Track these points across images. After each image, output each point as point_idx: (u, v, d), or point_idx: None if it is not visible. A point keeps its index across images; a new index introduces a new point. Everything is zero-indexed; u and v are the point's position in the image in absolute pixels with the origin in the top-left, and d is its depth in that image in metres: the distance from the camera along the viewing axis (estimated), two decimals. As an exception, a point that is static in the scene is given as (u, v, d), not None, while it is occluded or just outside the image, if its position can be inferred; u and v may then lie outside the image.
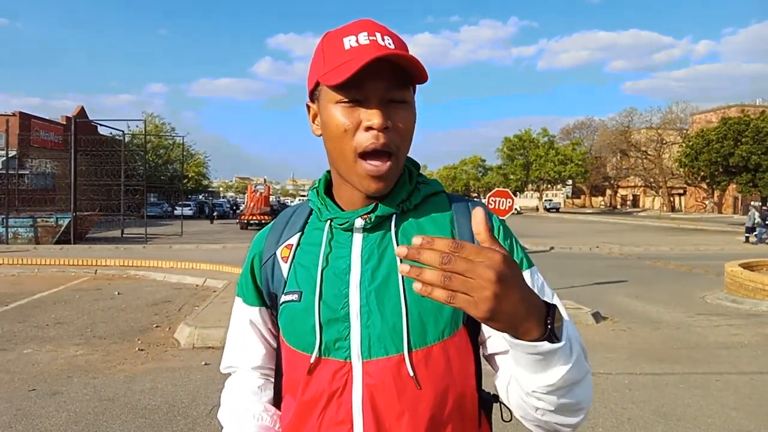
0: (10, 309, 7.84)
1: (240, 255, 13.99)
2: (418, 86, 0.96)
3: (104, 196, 21.97)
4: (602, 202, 77.58)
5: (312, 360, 0.91)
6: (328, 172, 1.02)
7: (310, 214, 1.03)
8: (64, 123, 34.59)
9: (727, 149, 39.62)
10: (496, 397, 0.98)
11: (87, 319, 7.21)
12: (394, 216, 0.95)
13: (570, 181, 70.25)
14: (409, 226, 0.95)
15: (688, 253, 16.96)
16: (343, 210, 0.97)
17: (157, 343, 6.11)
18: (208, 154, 63.06)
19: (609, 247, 18.53)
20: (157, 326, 6.88)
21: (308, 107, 0.98)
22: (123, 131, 23.53)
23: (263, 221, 26.39)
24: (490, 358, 0.95)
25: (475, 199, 1.15)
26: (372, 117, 0.86)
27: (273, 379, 1.06)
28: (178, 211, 35.17)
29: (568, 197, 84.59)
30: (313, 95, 0.95)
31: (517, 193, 63.34)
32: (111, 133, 26.98)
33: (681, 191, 62.01)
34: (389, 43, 0.87)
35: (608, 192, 75.78)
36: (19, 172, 25.26)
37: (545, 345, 0.69)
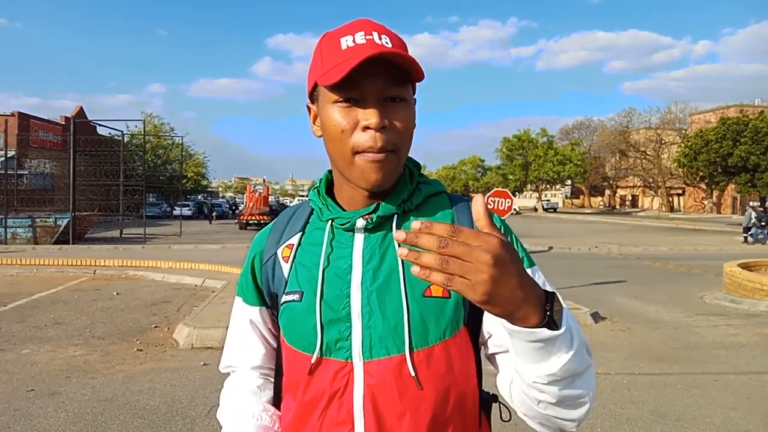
0: (8, 309, 7.83)
1: (239, 255, 13.99)
2: (418, 87, 0.96)
3: (103, 196, 21.96)
4: (601, 203, 77.64)
5: (313, 360, 0.91)
6: (329, 171, 1.02)
7: (311, 213, 1.03)
8: (63, 123, 34.54)
9: (725, 149, 39.64)
10: (495, 397, 0.99)
11: (86, 320, 7.21)
12: (396, 216, 0.95)
13: (569, 182, 70.29)
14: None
15: (687, 254, 16.98)
16: (344, 210, 0.97)
17: (156, 344, 6.10)
18: (208, 154, 62.98)
19: (608, 247, 18.55)
20: (155, 326, 6.88)
21: (308, 108, 0.98)
22: (122, 131, 23.52)
23: (262, 221, 26.39)
24: (491, 358, 0.95)
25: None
26: (369, 116, 0.85)
27: (273, 379, 1.06)
28: (177, 212, 35.13)
29: (567, 197, 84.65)
30: (313, 96, 0.95)
31: (516, 193, 63.37)
32: (110, 134, 26.96)
33: (680, 191, 62.07)
34: (386, 42, 0.87)
35: (607, 192, 75.84)
36: (18, 173, 25.22)
37: (544, 332, 0.69)
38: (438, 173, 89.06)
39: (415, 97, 0.95)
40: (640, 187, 68.24)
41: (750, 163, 38.38)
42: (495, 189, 8.87)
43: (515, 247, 0.96)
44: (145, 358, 5.59)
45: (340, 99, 0.87)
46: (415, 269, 0.63)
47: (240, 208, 39.45)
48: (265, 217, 26.72)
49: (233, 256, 14.14)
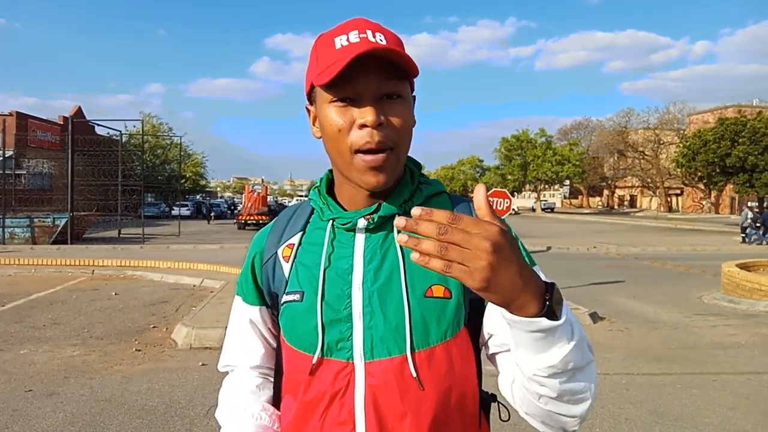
0: (6, 309, 7.81)
1: (237, 255, 13.99)
2: (417, 87, 0.95)
3: (101, 196, 21.94)
4: (599, 203, 77.74)
5: (314, 360, 0.91)
6: (330, 171, 1.01)
7: (312, 213, 1.03)
8: (62, 123, 34.49)
9: (724, 150, 39.69)
10: (494, 397, 0.99)
11: (84, 320, 7.20)
12: (397, 216, 0.94)
13: (567, 182, 70.36)
14: None
15: (686, 254, 17.01)
16: (345, 209, 0.97)
17: (155, 344, 6.10)
18: (206, 154, 62.98)
19: (606, 247, 18.57)
20: (154, 327, 6.87)
21: (308, 110, 0.98)
22: (120, 131, 23.49)
23: (261, 221, 26.39)
24: (492, 358, 0.95)
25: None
26: (365, 114, 0.85)
27: (272, 379, 1.05)
28: (175, 212, 35.13)
29: (565, 197, 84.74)
30: (311, 97, 0.95)
31: (515, 193, 63.49)
32: (108, 134, 26.91)
33: (678, 191, 62.16)
34: (381, 40, 0.86)
35: (605, 192, 75.93)
36: (16, 172, 25.21)
37: (543, 321, 0.69)
38: (437, 173, 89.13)
39: (414, 94, 0.95)
40: (638, 187, 68.33)
41: (748, 163, 38.42)
42: (494, 189, 8.87)
43: None
44: (143, 358, 5.58)
45: (336, 98, 0.87)
46: (414, 255, 0.64)
47: (238, 208, 39.43)
48: (263, 217, 26.73)
49: (232, 256, 14.14)
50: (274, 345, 1.05)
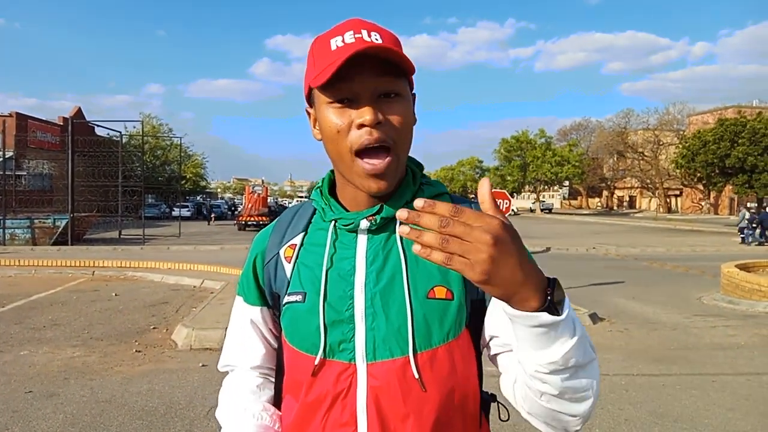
0: (6, 310, 7.81)
1: (238, 256, 13.99)
2: (417, 91, 0.96)
3: (102, 197, 21.95)
4: (599, 203, 77.70)
5: (316, 362, 0.91)
6: (332, 171, 1.01)
7: (314, 214, 1.02)
8: (61, 124, 34.50)
9: (723, 150, 39.71)
10: (494, 396, 0.99)
11: (84, 321, 7.20)
12: (400, 208, 0.95)
13: (567, 183, 70.35)
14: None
15: (685, 254, 17.01)
16: (347, 210, 0.97)
17: (155, 345, 6.10)
18: (206, 155, 62.95)
19: (606, 248, 18.57)
20: (154, 328, 6.87)
21: (308, 113, 0.97)
22: (120, 132, 23.50)
23: (261, 222, 26.41)
24: (494, 359, 0.95)
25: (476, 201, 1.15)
26: (363, 114, 0.85)
27: (272, 379, 1.05)
28: (175, 213, 35.14)
29: (564, 198, 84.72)
30: (310, 100, 0.95)
31: (514, 194, 63.52)
32: (108, 134, 26.97)
33: (677, 192, 62.13)
34: (376, 39, 0.86)
35: (605, 193, 75.90)
36: (16, 173, 25.21)
37: (545, 316, 0.68)
38: (436, 174, 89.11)
39: (414, 92, 0.94)
40: (637, 188, 68.29)
41: (747, 164, 38.44)
42: (493, 190, 8.86)
43: None
44: (143, 359, 5.58)
45: (334, 100, 0.87)
46: (416, 248, 0.64)
47: (239, 209, 39.43)
48: (263, 218, 26.75)
49: (232, 257, 14.14)
50: (275, 345, 1.05)
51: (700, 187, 50.15)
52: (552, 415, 0.80)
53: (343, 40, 0.85)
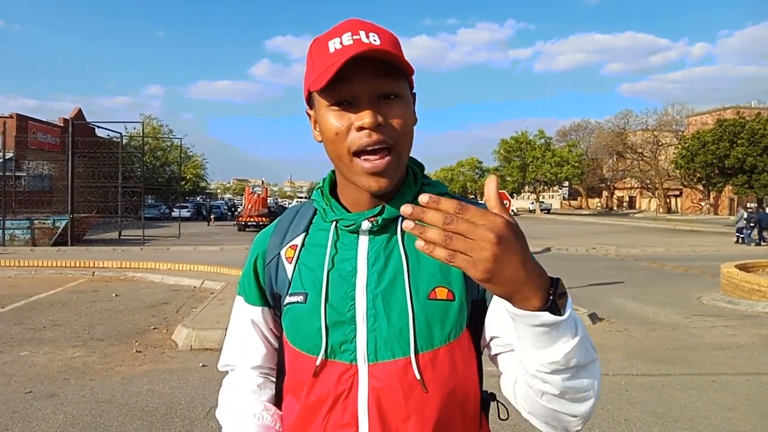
0: (6, 311, 7.81)
1: (238, 256, 13.99)
2: (416, 92, 0.96)
3: (102, 198, 21.96)
4: (599, 204, 77.71)
5: (318, 362, 0.91)
6: (333, 171, 1.01)
7: (314, 214, 1.02)
8: (62, 125, 34.50)
9: (722, 151, 39.75)
10: (493, 395, 0.99)
11: (84, 321, 7.20)
12: (400, 218, 0.94)
13: (566, 183, 70.36)
14: None
15: (684, 255, 17.01)
16: (348, 211, 0.97)
17: (155, 345, 6.10)
18: (206, 156, 63.02)
19: (605, 248, 18.57)
20: (154, 328, 6.87)
21: (308, 115, 0.97)
22: (120, 133, 23.52)
23: (261, 223, 26.41)
24: (495, 359, 0.95)
25: (477, 201, 1.15)
26: (362, 117, 0.85)
27: (273, 378, 1.05)
28: (175, 213, 35.16)
29: (564, 199, 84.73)
30: (310, 102, 0.94)
31: (514, 194, 63.55)
32: (108, 135, 26.99)
33: (677, 193, 62.15)
34: (374, 40, 0.85)
35: (604, 194, 75.91)
36: (16, 174, 25.21)
37: (546, 315, 0.68)
38: (436, 174, 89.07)
39: (414, 91, 0.94)
40: (637, 188, 68.33)
41: (747, 164, 38.49)
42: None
43: None
44: (144, 359, 5.59)
45: (333, 102, 0.87)
46: (419, 243, 0.64)
47: (239, 209, 39.45)
48: (263, 219, 26.75)
49: (232, 257, 14.14)
50: (276, 345, 1.05)
51: (700, 187, 50.19)
52: (553, 415, 0.80)
53: (341, 42, 0.85)
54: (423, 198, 0.63)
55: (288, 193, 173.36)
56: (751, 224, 21.03)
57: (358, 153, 0.87)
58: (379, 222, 0.93)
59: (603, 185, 72.67)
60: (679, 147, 47.15)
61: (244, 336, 1.05)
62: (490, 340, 0.93)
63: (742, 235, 21.08)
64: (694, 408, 4.34)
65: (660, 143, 58.53)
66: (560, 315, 0.69)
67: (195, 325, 6.36)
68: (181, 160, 42.16)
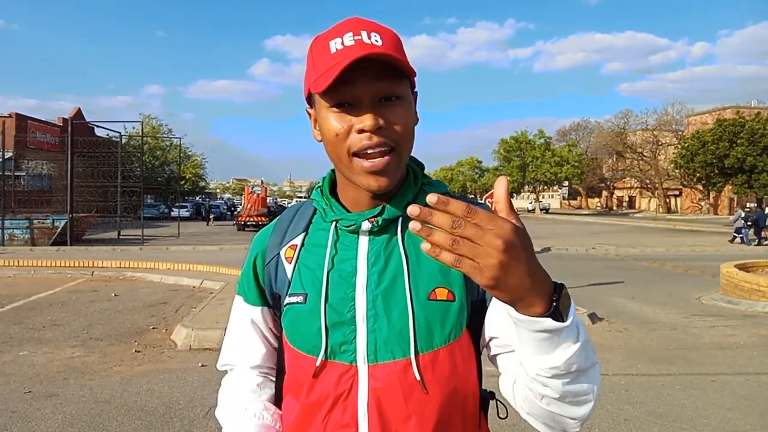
0: (6, 311, 7.81)
1: (237, 256, 13.98)
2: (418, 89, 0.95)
3: (101, 197, 21.93)
4: (598, 204, 77.75)
5: (318, 363, 0.91)
6: (333, 170, 1.00)
7: (314, 213, 1.02)
8: (61, 125, 34.48)
9: (722, 151, 39.77)
10: (492, 394, 0.99)
11: (83, 321, 7.19)
12: (401, 218, 0.94)
13: (566, 183, 70.40)
14: None
15: (684, 254, 17.01)
16: (348, 210, 0.96)
17: (154, 345, 6.10)
18: (206, 155, 62.99)
19: (605, 248, 18.57)
20: (153, 328, 6.87)
21: (308, 113, 0.97)
22: (120, 133, 23.51)
23: (260, 223, 26.41)
24: (494, 359, 0.95)
25: (477, 201, 1.14)
26: (363, 120, 0.84)
27: (273, 378, 1.05)
28: (174, 213, 35.14)
29: (564, 199, 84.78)
30: (310, 100, 0.94)
31: (514, 194, 63.58)
32: (108, 135, 26.96)
33: (677, 193, 62.19)
34: (376, 41, 0.84)
35: (604, 193, 75.94)
36: (16, 174, 25.19)
37: (548, 322, 0.68)
38: (436, 174, 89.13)
39: (416, 90, 0.94)
40: (637, 188, 68.35)
41: (746, 164, 38.51)
42: (492, 190, 8.88)
43: None
44: (143, 359, 5.58)
45: (334, 104, 0.86)
46: (425, 246, 0.62)
47: (238, 209, 39.45)
48: (263, 219, 26.74)
49: (231, 257, 14.14)
50: (276, 345, 1.05)
51: (700, 187, 50.21)
52: (552, 417, 0.80)
53: (342, 43, 0.84)
54: (431, 198, 0.61)
55: (287, 193, 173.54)
56: (748, 223, 21.05)
57: (357, 153, 0.87)
58: (380, 222, 0.93)
59: (603, 185, 72.70)
60: (679, 147, 47.17)
61: (244, 336, 1.05)
62: (490, 340, 0.93)
63: (741, 235, 21.09)
64: (694, 408, 4.34)
65: (660, 143, 58.55)
66: (563, 321, 0.69)
67: (194, 325, 6.36)
68: (181, 159, 42.16)
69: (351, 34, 0.85)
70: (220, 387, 1.08)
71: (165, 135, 47.25)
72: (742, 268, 9.81)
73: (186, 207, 41.20)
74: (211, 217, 37.19)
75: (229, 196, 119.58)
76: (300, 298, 0.94)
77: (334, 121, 0.87)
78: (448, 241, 0.61)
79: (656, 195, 60.88)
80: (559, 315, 0.69)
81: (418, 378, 0.87)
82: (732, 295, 9.00)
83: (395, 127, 0.87)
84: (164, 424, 3.96)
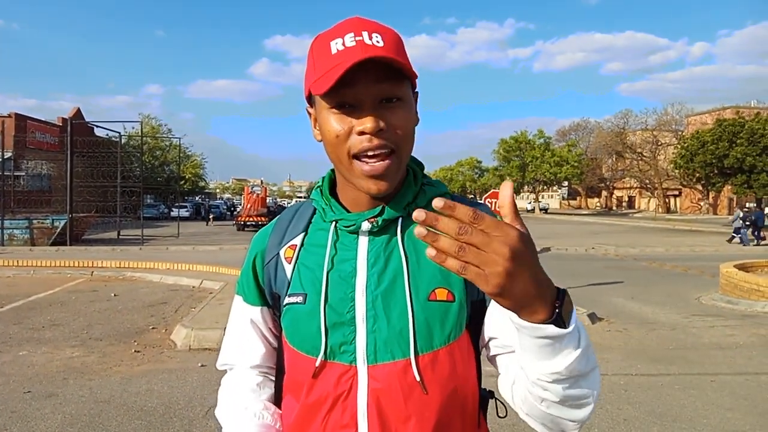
0: (5, 311, 7.80)
1: (237, 256, 13.98)
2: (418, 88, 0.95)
3: (100, 197, 21.92)
4: (598, 204, 77.78)
5: (317, 363, 0.91)
6: (332, 170, 1.00)
7: (314, 213, 1.02)
8: (61, 124, 34.48)
9: (722, 151, 39.75)
10: (491, 393, 0.99)
11: (83, 321, 7.19)
12: (400, 219, 0.94)
13: (566, 183, 70.42)
14: None
15: (684, 254, 17.02)
16: (347, 210, 0.96)
17: (154, 345, 6.09)
18: (205, 155, 63.00)
19: (605, 248, 18.58)
20: (153, 328, 6.86)
21: (308, 113, 0.97)
22: (119, 133, 23.50)
23: (260, 223, 26.40)
24: (493, 359, 0.95)
25: (476, 201, 1.14)
26: (364, 122, 0.84)
27: (272, 377, 1.05)
28: (174, 213, 35.13)
29: (564, 199, 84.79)
30: (311, 100, 0.94)
31: (513, 194, 63.49)
32: (107, 135, 26.96)
33: (676, 193, 62.22)
34: (377, 41, 0.84)
35: (604, 193, 75.98)
36: (15, 174, 25.18)
37: (551, 328, 0.68)
38: (435, 174, 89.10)
39: (416, 90, 0.93)
40: (636, 188, 68.40)
41: (746, 164, 38.48)
42: (492, 190, 8.90)
43: None
44: (142, 359, 5.58)
45: (334, 105, 0.86)
46: (430, 252, 0.62)
47: (238, 209, 39.44)
48: (262, 219, 26.74)
49: (231, 257, 14.14)
50: (275, 345, 1.05)
51: (699, 187, 50.20)
52: (551, 419, 0.81)
53: (343, 43, 0.84)
54: (438, 203, 0.60)
55: (287, 193, 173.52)
56: (747, 223, 21.06)
57: (357, 155, 0.86)
58: (379, 223, 0.92)
59: (602, 185, 72.74)
60: (679, 147, 47.14)
61: (243, 335, 1.05)
62: (489, 340, 0.93)
63: (739, 235, 21.10)
64: (693, 408, 4.34)
65: (659, 143, 58.58)
66: (565, 328, 0.69)
67: (194, 325, 6.36)
68: (180, 159, 42.17)
69: (352, 34, 0.84)
70: (220, 387, 1.08)
71: (164, 135, 47.22)
72: (742, 268, 9.82)
73: (185, 207, 41.19)
74: (210, 217, 37.18)
75: (229, 196, 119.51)
76: (299, 299, 0.94)
77: (335, 122, 0.86)
78: (454, 247, 0.61)
79: (656, 195, 60.90)
80: (561, 321, 0.69)
81: (418, 378, 0.87)
82: (731, 295, 9.01)
83: (396, 129, 0.86)
84: (164, 424, 3.96)
